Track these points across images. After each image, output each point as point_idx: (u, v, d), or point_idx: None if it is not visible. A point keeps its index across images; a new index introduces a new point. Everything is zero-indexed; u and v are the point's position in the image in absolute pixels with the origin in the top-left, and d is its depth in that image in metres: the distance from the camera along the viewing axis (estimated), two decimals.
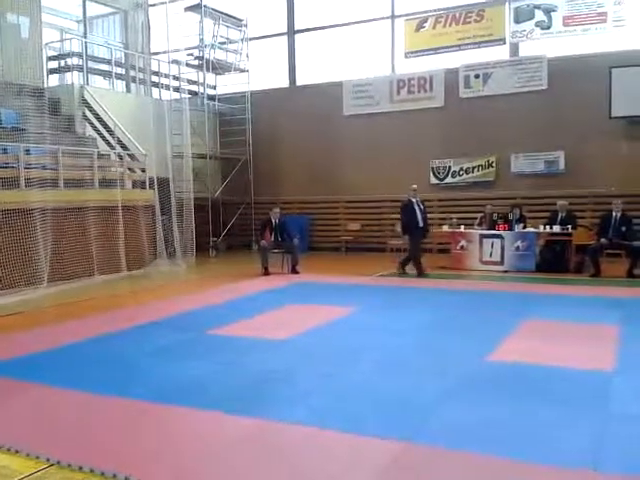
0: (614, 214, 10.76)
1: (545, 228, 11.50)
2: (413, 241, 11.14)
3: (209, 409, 4.30)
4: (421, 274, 10.99)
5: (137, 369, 5.40)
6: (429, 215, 11.98)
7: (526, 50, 14.29)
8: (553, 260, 11.35)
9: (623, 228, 10.60)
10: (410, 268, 11.21)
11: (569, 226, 11.27)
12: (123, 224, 11.62)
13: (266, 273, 11.45)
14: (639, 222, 11.69)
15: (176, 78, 16.20)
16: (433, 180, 14.81)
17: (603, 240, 10.65)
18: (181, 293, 9.82)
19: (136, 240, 12.04)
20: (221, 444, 3.74)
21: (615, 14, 12.94)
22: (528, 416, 4.09)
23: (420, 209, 11.15)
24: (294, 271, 11.54)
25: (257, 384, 4.90)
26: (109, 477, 3.26)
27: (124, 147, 13.05)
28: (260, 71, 17.17)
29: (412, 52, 15.16)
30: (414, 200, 11.15)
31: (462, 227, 12.22)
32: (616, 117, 12.72)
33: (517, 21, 13.89)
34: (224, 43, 16.90)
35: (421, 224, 11.12)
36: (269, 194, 16.58)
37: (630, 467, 3.29)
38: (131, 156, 13.05)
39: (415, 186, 11.44)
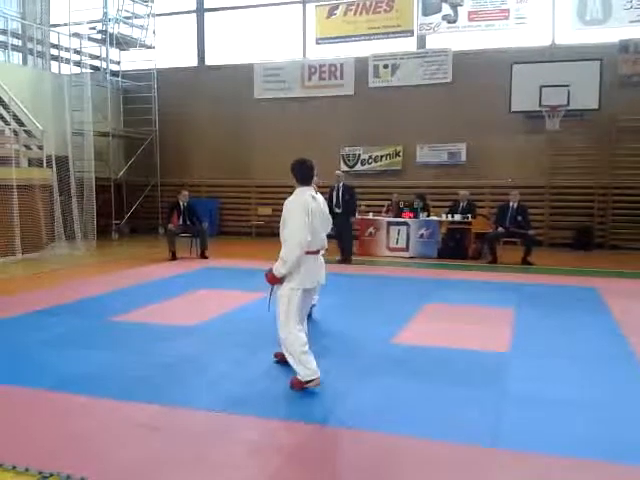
0: (511, 204, 11.32)
1: (447, 217, 11.95)
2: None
3: (112, 397, 4.16)
4: (344, 260, 10.94)
5: (33, 357, 5.11)
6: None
7: (433, 43, 14.70)
8: (454, 247, 11.82)
9: (519, 217, 11.18)
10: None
11: (469, 215, 11.78)
12: (18, 204, 10.92)
13: (173, 258, 11.17)
14: (534, 212, 12.41)
15: (77, 52, 15.36)
16: (343, 167, 14.95)
17: (500, 229, 11.21)
18: (81, 277, 9.39)
19: (32, 221, 11.36)
20: (125, 431, 3.64)
21: (517, 12, 13.57)
22: (431, 396, 4.26)
23: (338, 196, 10.97)
24: (203, 256, 11.34)
25: (164, 371, 4.79)
26: (21, 471, 3.10)
27: (20, 123, 12.25)
28: (167, 48, 16.62)
29: (323, 38, 15.21)
30: (335, 186, 11.11)
31: (370, 214, 12.46)
32: (515, 112, 13.36)
33: (425, 14, 14.25)
34: (129, 18, 16.24)
35: (337, 210, 10.74)
36: (176, 176, 16.16)
37: (524, 444, 3.49)
38: (27, 132, 12.29)
39: (338, 172, 11.44)
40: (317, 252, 4.39)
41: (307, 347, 4.31)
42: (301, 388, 4.28)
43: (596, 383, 4.56)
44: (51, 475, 3.02)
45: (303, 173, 4.38)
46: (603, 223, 13.54)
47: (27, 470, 3.08)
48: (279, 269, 4.23)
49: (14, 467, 3.10)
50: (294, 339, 4.29)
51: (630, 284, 9.01)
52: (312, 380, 4.28)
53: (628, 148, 13.05)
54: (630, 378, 4.68)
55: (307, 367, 4.27)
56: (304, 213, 4.16)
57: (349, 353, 5.26)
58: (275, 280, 4.32)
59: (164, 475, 3.11)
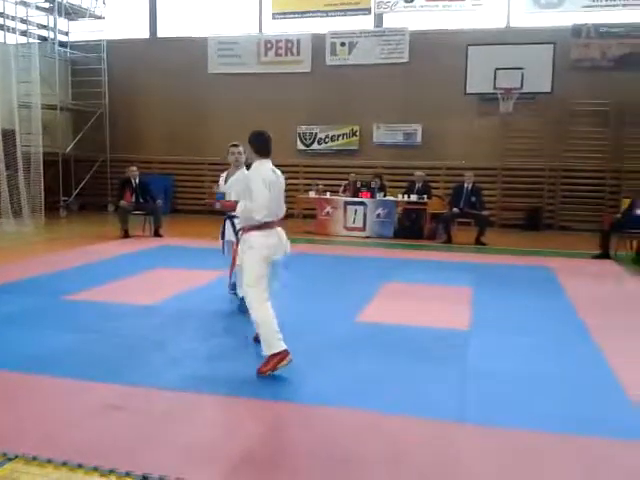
0: (465, 185, 11.49)
1: (403, 197, 12.04)
2: None
3: (72, 377, 4.05)
4: None
5: None
6: (297, 182, 11.89)
7: (390, 22, 14.66)
8: (409, 227, 11.96)
9: (473, 198, 11.37)
10: None
11: (425, 196, 11.90)
12: None
13: (126, 236, 10.89)
14: (487, 193, 12.64)
15: (24, 21, 14.65)
16: (300, 146, 14.89)
17: (455, 209, 11.38)
18: (30, 255, 9.06)
19: None
20: (87, 411, 3.55)
21: None
22: (397, 373, 4.31)
23: None
24: (157, 234, 11.09)
25: (124, 351, 4.69)
26: None
27: None
28: (118, 19, 16.05)
29: (279, 13, 14.97)
30: None
31: (328, 194, 12.46)
32: (470, 93, 13.51)
33: None
34: None
35: None
36: (127, 151, 15.71)
37: (488, 418, 3.58)
38: None
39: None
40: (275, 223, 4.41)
41: (275, 319, 4.24)
42: (273, 369, 4.15)
43: (554, 359, 4.70)
44: (16, 457, 2.92)
45: (260, 143, 4.41)
46: (552, 204, 13.92)
47: None
48: (243, 212, 4.31)
49: None
50: (266, 311, 4.23)
51: (580, 263, 9.31)
52: (280, 354, 4.16)
53: (578, 131, 13.40)
54: (585, 354, 4.84)
55: (277, 337, 4.18)
56: (263, 185, 4.20)
57: (313, 332, 5.25)
58: (229, 206, 4.82)
59: (131, 455, 3.04)
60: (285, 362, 4.18)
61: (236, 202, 4.50)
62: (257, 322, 4.28)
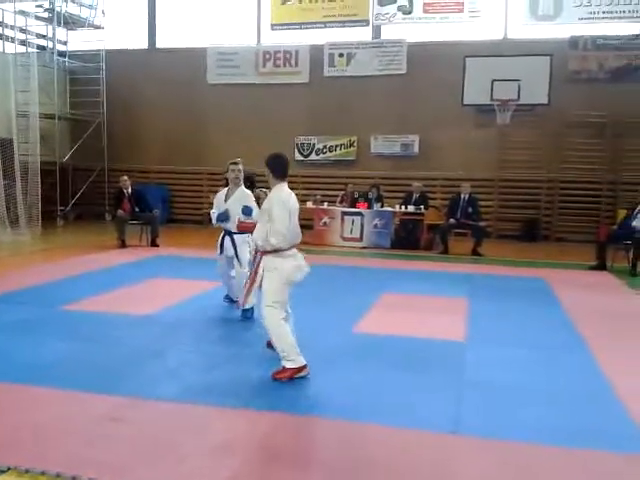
0: (462, 196, 11.52)
1: (400, 208, 12.06)
2: None
3: (71, 388, 4.04)
4: None
5: None
6: (295, 192, 11.89)
7: (388, 33, 14.74)
8: (406, 238, 11.97)
9: (470, 209, 11.40)
10: None
11: (422, 206, 11.93)
12: None
13: (123, 245, 10.87)
14: (484, 204, 12.67)
15: (23, 30, 14.70)
16: (298, 156, 14.90)
17: (452, 220, 11.41)
18: (28, 265, 9.06)
19: None
20: (85, 423, 3.53)
21: (471, 5, 13.75)
22: (393, 384, 4.31)
23: None
24: (154, 244, 11.08)
25: (121, 361, 4.68)
26: None
27: None
28: (117, 29, 16.10)
29: (278, 24, 15.05)
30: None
31: (325, 204, 12.47)
32: (467, 105, 13.55)
33: (381, 4, 14.26)
34: None
35: None
36: (125, 161, 15.69)
37: (484, 430, 3.57)
38: None
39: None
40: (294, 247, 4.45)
41: (292, 335, 4.37)
42: (290, 377, 4.27)
43: (550, 371, 4.70)
44: (8, 469, 2.90)
45: (278, 166, 4.43)
46: (549, 216, 13.95)
47: None
48: (260, 242, 4.37)
49: None
50: (284, 330, 4.34)
51: (576, 275, 9.31)
52: (302, 368, 4.30)
53: (575, 143, 13.44)
54: (581, 366, 4.84)
55: (296, 353, 4.31)
56: (286, 213, 4.27)
57: (311, 343, 5.18)
58: (247, 228, 5.22)
59: (126, 468, 3.02)
60: (302, 373, 4.31)
61: (254, 224, 4.58)
62: (275, 340, 4.36)
